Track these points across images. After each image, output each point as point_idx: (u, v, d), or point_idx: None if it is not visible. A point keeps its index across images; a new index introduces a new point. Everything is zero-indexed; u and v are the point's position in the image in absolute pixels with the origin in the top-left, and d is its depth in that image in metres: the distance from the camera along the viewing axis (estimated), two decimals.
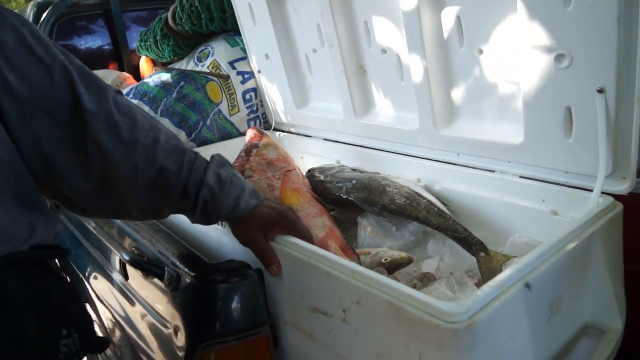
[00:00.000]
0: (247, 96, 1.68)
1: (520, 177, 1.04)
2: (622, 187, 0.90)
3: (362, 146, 1.39)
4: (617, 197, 0.90)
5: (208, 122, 1.60)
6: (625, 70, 0.82)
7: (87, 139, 0.67)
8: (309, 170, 1.32)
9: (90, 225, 1.21)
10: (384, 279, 0.68)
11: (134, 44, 2.07)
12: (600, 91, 0.85)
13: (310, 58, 1.48)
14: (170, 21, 1.66)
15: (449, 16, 1.07)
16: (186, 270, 0.85)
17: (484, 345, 0.61)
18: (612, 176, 0.90)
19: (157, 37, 1.70)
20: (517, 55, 0.96)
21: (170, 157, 0.75)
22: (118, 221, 1.11)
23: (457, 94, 1.14)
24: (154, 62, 1.93)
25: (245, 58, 1.67)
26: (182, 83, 1.59)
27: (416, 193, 1.08)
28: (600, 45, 0.83)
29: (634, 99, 0.83)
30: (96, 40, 2.34)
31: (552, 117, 0.94)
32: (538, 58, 0.91)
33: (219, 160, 0.83)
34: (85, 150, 0.68)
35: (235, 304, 0.81)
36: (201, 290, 0.83)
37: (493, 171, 1.09)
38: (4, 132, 0.61)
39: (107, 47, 2.34)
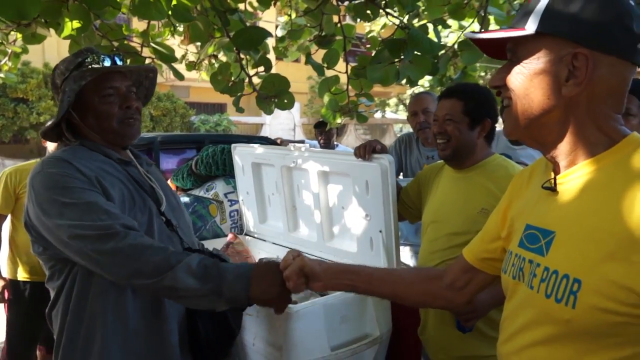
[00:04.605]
0: (232, 214, 2.82)
1: None
2: None
3: (290, 248, 2.49)
4: None
5: (207, 226, 2.72)
6: (388, 222, 1.96)
7: None
8: (260, 259, 2.40)
9: None
10: None
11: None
12: (380, 231, 1.99)
13: (270, 197, 2.64)
14: (193, 167, 2.86)
15: (331, 189, 2.24)
16: None
17: (302, 322, 1.66)
18: None
19: (184, 175, 2.88)
20: (354, 212, 2.11)
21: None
22: None
23: (335, 227, 2.28)
24: (177, 188, 3.09)
25: (234, 192, 2.83)
26: (195, 203, 2.73)
27: None
28: (379, 211, 1.98)
29: (392, 237, 1.96)
30: None
31: (365, 241, 2.07)
32: (359, 215, 2.07)
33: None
34: None
35: None
36: None
37: None
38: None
39: None
